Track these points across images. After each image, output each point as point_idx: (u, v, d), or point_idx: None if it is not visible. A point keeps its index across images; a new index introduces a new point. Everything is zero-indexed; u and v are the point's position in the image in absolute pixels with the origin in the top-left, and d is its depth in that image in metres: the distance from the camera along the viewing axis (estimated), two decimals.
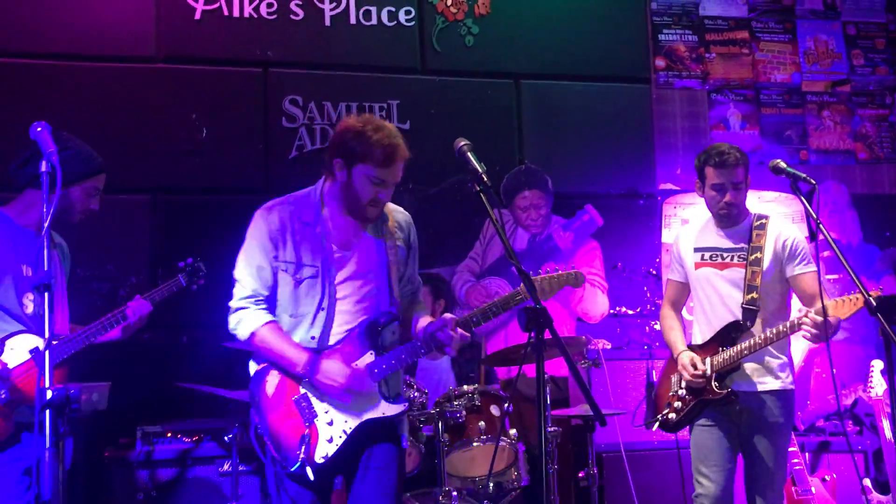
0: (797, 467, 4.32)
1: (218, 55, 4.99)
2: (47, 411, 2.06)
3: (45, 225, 2.23)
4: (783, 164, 3.14)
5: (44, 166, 2.36)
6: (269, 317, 2.84)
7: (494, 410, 3.91)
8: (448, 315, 2.86)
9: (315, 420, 2.77)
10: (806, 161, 5.79)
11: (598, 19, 5.61)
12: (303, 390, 2.80)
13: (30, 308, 3.02)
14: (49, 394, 2.06)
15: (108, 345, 3.28)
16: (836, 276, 5.32)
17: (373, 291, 2.88)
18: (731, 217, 3.58)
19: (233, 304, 2.87)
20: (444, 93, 5.31)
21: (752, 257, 3.50)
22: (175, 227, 4.81)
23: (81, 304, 3.43)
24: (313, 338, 2.82)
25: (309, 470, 2.71)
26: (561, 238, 5.26)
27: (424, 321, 2.95)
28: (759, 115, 5.82)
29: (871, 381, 4.55)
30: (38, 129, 2.45)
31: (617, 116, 5.55)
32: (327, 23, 5.17)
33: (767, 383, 3.49)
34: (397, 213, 3.03)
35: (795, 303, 3.61)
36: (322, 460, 2.74)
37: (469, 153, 2.62)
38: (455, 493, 3.66)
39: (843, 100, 5.94)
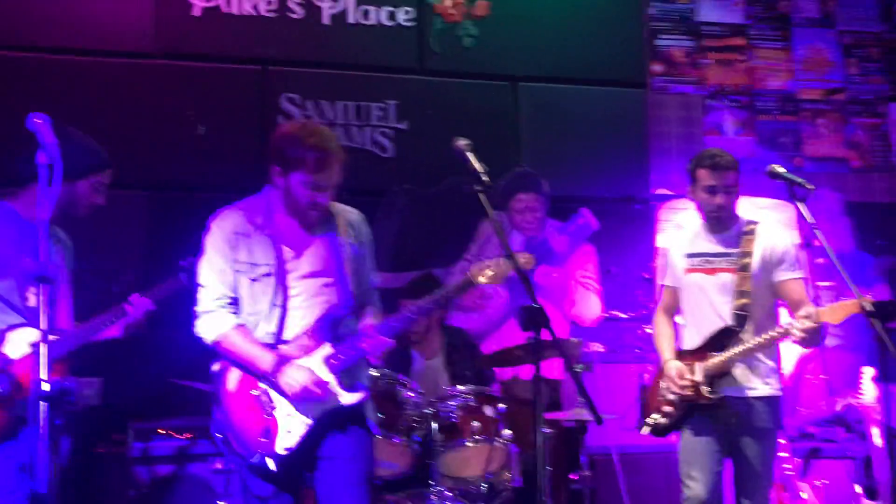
0: (788, 473, 4.35)
1: (216, 52, 5.00)
2: (43, 404, 2.05)
3: (45, 217, 2.23)
4: (780, 169, 3.17)
5: (42, 158, 2.35)
6: (237, 319, 2.91)
7: (488, 411, 3.91)
8: (369, 323, 2.96)
9: (275, 412, 2.84)
10: (800, 168, 5.82)
11: (596, 23, 5.63)
12: (263, 385, 2.88)
13: (32, 301, 3.01)
14: (46, 386, 2.05)
15: (102, 341, 3.27)
16: (829, 283, 5.34)
17: (327, 288, 2.95)
18: (721, 221, 3.60)
19: (199, 308, 2.95)
20: (443, 94, 5.32)
21: (742, 262, 3.52)
22: (171, 223, 4.80)
23: (75, 299, 3.42)
24: (269, 334, 2.90)
25: (270, 461, 2.78)
26: (556, 241, 5.26)
27: (365, 321, 3.05)
28: (755, 122, 5.86)
29: (861, 388, 4.58)
30: (37, 120, 2.44)
31: (613, 120, 5.58)
32: (326, 21, 5.17)
33: (756, 389, 3.51)
34: (348, 213, 3.10)
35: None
36: (284, 452, 2.81)
37: (469, 154, 2.65)
38: (448, 493, 3.66)
39: (838, 108, 5.99)
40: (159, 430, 4.05)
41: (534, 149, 5.43)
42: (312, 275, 2.94)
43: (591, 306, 5.23)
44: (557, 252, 5.24)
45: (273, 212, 2.98)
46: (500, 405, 3.96)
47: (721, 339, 3.49)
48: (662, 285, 3.82)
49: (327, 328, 2.91)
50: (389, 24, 5.27)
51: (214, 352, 2.97)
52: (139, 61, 4.86)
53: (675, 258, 3.72)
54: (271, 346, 2.90)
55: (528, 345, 2.36)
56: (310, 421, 2.84)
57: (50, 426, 2.08)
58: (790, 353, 5.34)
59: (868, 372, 4.61)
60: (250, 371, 2.89)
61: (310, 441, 2.85)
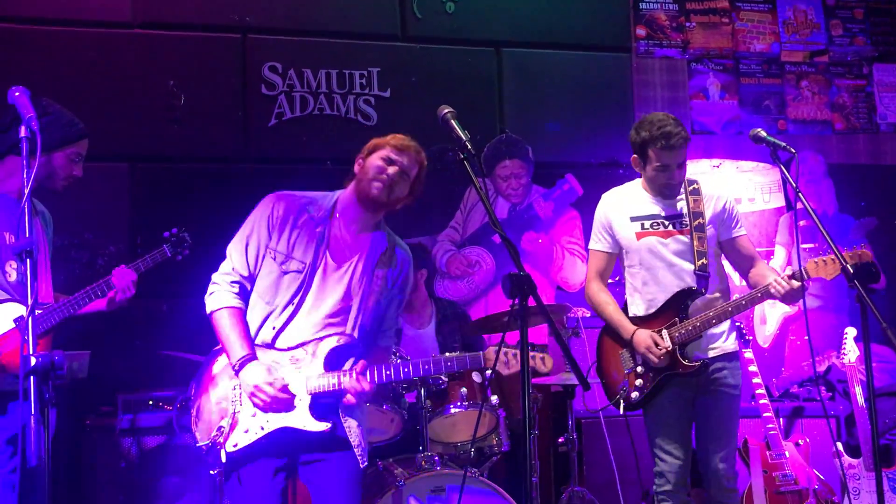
0: (772, 432, 4.41)
1: (196, 21, 4.92)
2: (32, 378, 2.05)
3: (26, 191, 2.20)
4: (763, 133, 3.15)
5: (22, 131, 2.32)
6: (236, 302, 2.85)
7: (476, 377, 3.95)
8: (359, 366, 2.80)
9: (239, 410, 2.79)
10: (784, 131, 5.84)
11: None
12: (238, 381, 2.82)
13: (12, 276, 2.99)
14: (33, 360, 2.05)
15: (90, 314, 3.26)
16: (812, 245, 5.39)
17: (345, 310, 2.86)
18: (674, 194, 3.51)
19: (215, 275, 2.91)
20: (425, 61, 5.27)
21: (696, 223, 3.45)
22: (154, 195, 4.77)
23: (60, 273, 3.41)
24: (273, 328, 2.84)
25: (223, 453, 2.74)
26: (541, 207, 5.28)
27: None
28: (739, 85, 5.85)
29: (844, 348, 4.64)
30: (17, 93, 2.40)
31: (598, 85, 5.56)
32: None
33: (717, 348, 3.48)
34: (401, 247, 3.01)
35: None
36: (233, 448, 2.75)
37: (453, 121, 2.63)
38: (437, 459, 3.70)
39: (821, 70, 5.98)
40: (147, 402, 4.05)
41: (518, 115, 5.41)
42: (337, 293, 2.85)
43: (576, 272, 5.27)
44: (542, 218, 5.26)
45: (336, 212, 2.90)
46: (488, 372, 3.99)
47: (682, 302, 3.42)
48: (595, 251, 3.63)
49: (330, 360, 2.81)
50: None
51: (200, 325, 2.96)
52: (117, 31, 4.78)
53: (616, 222, 3.56)
54: (269, 342, 2.83)
55: (513, 311, 2.36)
56: (268, 428, 2.76)
57: (39, 400, 2.08)
58: (774, 315, 5.42)
59: (850, 332, 4.68)
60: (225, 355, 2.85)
61: (268, 448, 2.76)
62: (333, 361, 2.83)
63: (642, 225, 3.51)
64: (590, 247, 3.68)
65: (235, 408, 2.79)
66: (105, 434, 3.94)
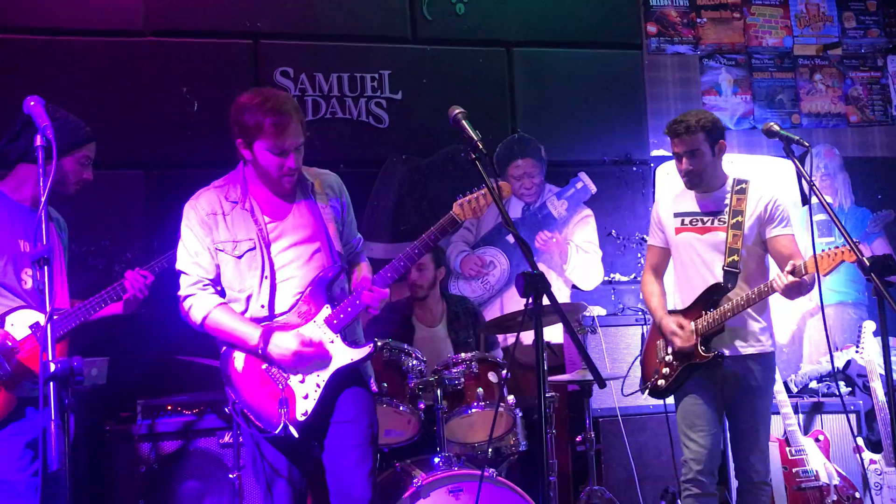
0: (790, 428, 4.39)
1: (207, 27, 4.95)
2: (52, 384, 2.07)
3: (43, 198, 2.22)
4: (777, 127, 3.14)
5: (39, 140, 2.34)
6: (219, 299, 2.93)
7: (492, 377, 3.94)
8: (367, 275, 2.96)
9: (288, 381, 2.87)
10: (798, 125, 5.80)
11: None
12: None
13: (28, 283, 3.01)
14: (53, 366, 2.07)
15: (106, 320, 3.29)
16: (829, 240, 5.35)
17: (315, 252, 2.95)
18: (694, 184, 3.59)
19: (181, 293, 2.97)
20: (436, 62, 5.28)
21: (734, 221, 3.51)
22: (169, 201, 4.76)
23: (78, 280, 3.43)
24: (263, 306, 2.90)
25: (293, 429, 2.80)
26: (555, 206, 5.28)
27: (358, 274, 3.09)
28: (751, 80, 5.82)
29: (862, 343, 4.61)
30: (32, 102, 2.43)
31: (609, 83, 5.54)
32: None
33: (749, 347, 3.53)
34: (325, 175, 3.09)
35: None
36: (303, 417, 2.84)
37: (464, 121, 2.64)
38: (454, 459, 3.70)
39: (835, 63, 5.94)
40: (166, 407, 4.07)
41: (530, 114, 5.40)
42: (298, 242, 2.94)
43: (591, 270, 5.26)
44: (556, 217, 5.25)
45: (249, 185, 2.97)
46: (504, 371, 3.99)
47: (712, 297, 3.51)
48: (649, 245, 3.84)
49: (322, 291, 2.91)
50: None
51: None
52: (130, 39, 4.81)
53: (663, 218, 3.72)
54: (266, 319, 2.89)
55: (528, 310, 2.36)
56: (322, 382, 2.86)
57: (59, 405, 2.10)
58: (794, 311, 5.38)
59: (868, 326, 4.64)
60: (241, 348, 2.89)
61: (324, 402, 2.87)
62: (332, 295, 2.92)
63: (682, 221, 3.65)
64: (647, 241, 3.90)
65: (282, 383, 2.86)
66: (125, 439, 3.97)
